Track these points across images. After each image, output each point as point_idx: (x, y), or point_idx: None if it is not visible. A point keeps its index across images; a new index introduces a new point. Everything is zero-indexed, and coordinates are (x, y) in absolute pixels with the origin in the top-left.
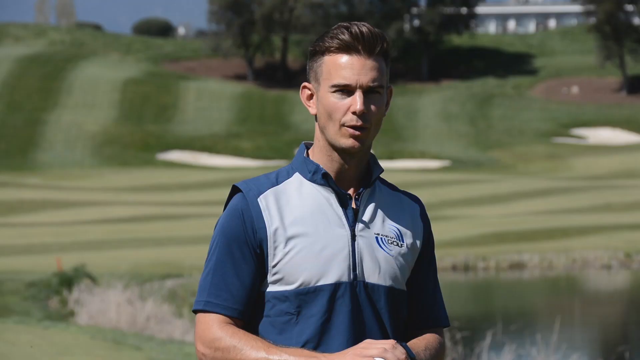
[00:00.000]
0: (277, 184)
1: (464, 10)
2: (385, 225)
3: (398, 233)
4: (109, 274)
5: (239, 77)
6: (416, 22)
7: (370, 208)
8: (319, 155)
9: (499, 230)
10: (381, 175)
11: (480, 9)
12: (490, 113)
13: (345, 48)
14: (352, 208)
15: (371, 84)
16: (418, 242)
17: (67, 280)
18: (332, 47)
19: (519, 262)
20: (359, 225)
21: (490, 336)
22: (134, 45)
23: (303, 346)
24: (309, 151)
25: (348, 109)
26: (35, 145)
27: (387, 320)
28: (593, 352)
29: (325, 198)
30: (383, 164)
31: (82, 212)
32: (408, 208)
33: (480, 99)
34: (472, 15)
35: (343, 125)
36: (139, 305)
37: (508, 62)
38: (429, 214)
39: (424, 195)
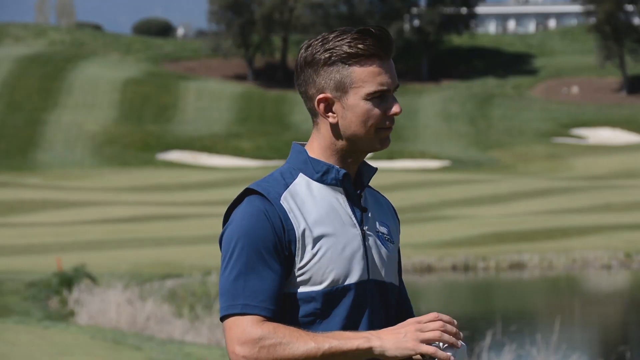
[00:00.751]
0: (288, 186)
1: (464, 10)
2: (381, 224)
3: (389, 230)
4: (109, 274)
5: (239, 77)
6: (416, 22)
7: (370, 207)
8: (329, 158)
9: (499, 230)
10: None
11: (480, 9)
12: (490, 113)
13: (375, 54)
14: (361, 207)
15: (396, 86)
16: (398, 239)
17: (67, 280)
18: (361, 54)
19: (519, 262)
20: (367, 224)
21: (490, 336)
22: (134, 45)
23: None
24: (307, 151)
25: (384, 113)
26: (35, 145)
27: (393, 315)
28: (593, 352)
29: (335, 198)
30: (383, 164)
31: (82, 212)
32: (386, 205)
33: (480, 99)
34: (472, 15)
35: (380, 128)
36: (139, 305)
37: (508, 62)
38: (429, 214)
39: (423, 196)
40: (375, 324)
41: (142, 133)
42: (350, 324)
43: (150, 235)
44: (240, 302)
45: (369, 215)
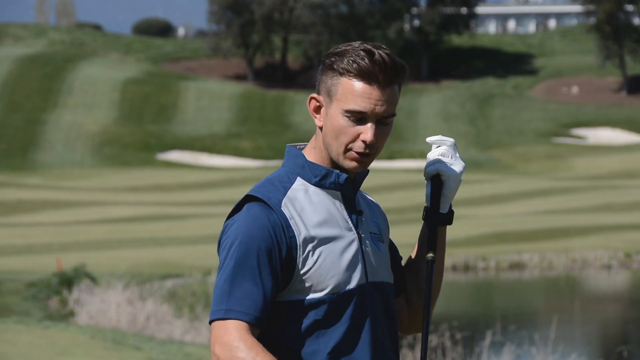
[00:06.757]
0: (287, 191)
1: (464, 10)
2: (372, 224)
3: (379, 229)
4: (109, 274)
5: (239, 77)
6: (416, 22)
7: (364, 209)
8: (322, 162)
9: (499, 230)
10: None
11: (480, 9)
12: (490, 113)
13: (365, 76)
14: (357, 211)
15: (385, 115)
16: (388, 235)
17: (67, 280)
18: (352, 72)
19: (519, 262)
20: (361, 227)
21: (490, 336)
22: (134, 45)
23: (332, 351)
24: (305, 155)
25: (358, 135)
26: (35, 145)
27: (393, 314)
28: (592, 352)
29: (332, 202)
30: (383, 164)
31: (82, 212)
32: (374, 205)
33: (480, 99)
34: (472, 15)
35: (350, 149)
36: (139, 305)
37: (508, 62)
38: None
39: (423, 196)
40: (378, 325)
41: (142, 133)
42: (356, 328)
43: (150, 235)
44: (224, 307)
45: (363, 218)
